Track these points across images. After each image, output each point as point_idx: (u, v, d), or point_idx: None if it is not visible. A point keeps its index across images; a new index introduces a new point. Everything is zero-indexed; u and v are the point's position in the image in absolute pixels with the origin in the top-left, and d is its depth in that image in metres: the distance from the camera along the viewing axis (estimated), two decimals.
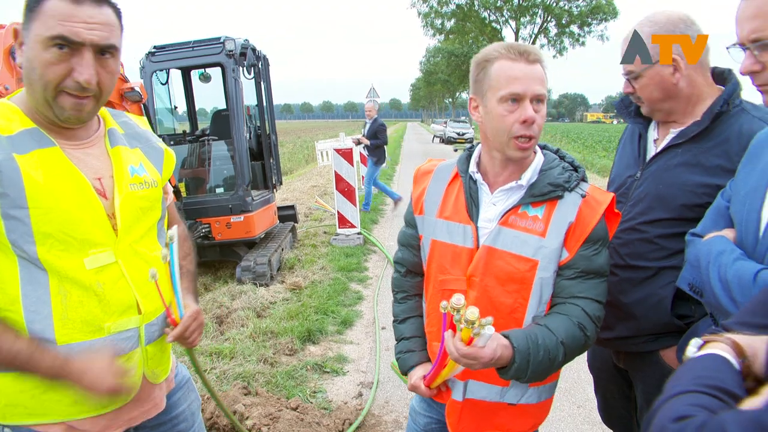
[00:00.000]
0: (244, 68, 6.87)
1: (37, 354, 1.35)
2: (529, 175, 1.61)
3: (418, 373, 1.77)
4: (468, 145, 1.81)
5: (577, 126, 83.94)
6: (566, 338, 1.52)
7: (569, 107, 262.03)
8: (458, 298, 1.33)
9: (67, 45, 1.33)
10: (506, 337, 1.47)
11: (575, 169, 1.65)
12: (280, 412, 3.45)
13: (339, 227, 8.37)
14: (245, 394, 3.71)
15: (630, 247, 1.88)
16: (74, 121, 1.44)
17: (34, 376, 1.38)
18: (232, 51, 6.45)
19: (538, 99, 1.52)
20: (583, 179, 1.64)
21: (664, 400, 0.71)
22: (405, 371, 1.86)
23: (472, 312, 1.31)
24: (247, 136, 7.23)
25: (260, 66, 7.38)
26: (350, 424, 3.49)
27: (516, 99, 1.50)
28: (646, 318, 1.87)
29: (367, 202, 10.95)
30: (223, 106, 7.41)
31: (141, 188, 1.58)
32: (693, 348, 0.86)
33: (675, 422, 0.66)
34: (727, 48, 1.46)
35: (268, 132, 7.69)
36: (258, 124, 7.82)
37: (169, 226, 1.85)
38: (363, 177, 12.99)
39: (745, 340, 0.83)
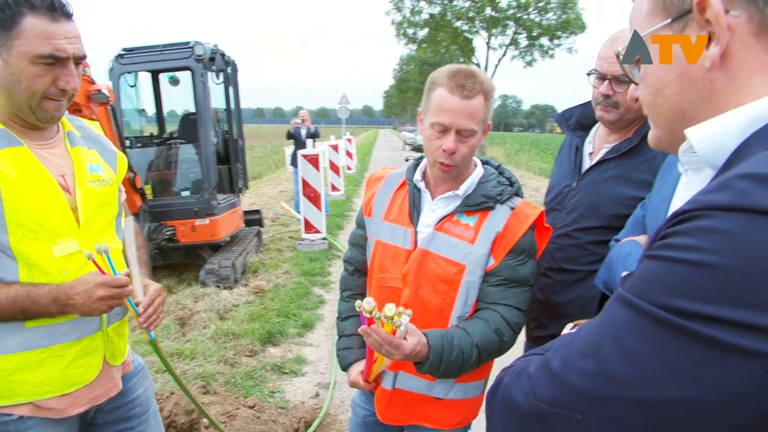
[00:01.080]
0: (213, 73, 6.91)
1: (33, 290, 1.47)
2: (466, 187, 1.73)
3: (357, 369, 1.87)
4: (418, 155, 1.93)
5: (547, 137, 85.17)
6: (481, 341, 1.64)
7: (540, 118, 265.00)
8: (368, 301, 1.46)
9: (54, 60, 1.48)
10: (425, 335, 1.59)
11: (511, 184, 1.78)
12: (237, 410, 3.51)
13: (305, 232, 8.42)
14: (204, 393, 3.76)
15: (563, 251, 2.02)
16: (54, 121, 1.60)
17: (41, 313, 1.49)
18: (201, 56, 6.49)
19: (464, 133, 1.63)
20: (517, 194, 1.77)
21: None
22: (344, 368, 1.95)
23: (390, 308, 1.45)
24: (215, 140, 7.26)
25: (229, 71, 7.43)
26: (306, 423, 3.57)
27: (443, 129, 1.63)
28: (577, 317, 1.99)
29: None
30: (194, 109, 7.43)
31: (99, 185, 1.70)
32: (566, 330, 0.98)
33: (504, 371, 0.78)
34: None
35: (235, 136, 7.73)
36: (226, 128, 7.85)
37: None
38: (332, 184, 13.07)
39: None
